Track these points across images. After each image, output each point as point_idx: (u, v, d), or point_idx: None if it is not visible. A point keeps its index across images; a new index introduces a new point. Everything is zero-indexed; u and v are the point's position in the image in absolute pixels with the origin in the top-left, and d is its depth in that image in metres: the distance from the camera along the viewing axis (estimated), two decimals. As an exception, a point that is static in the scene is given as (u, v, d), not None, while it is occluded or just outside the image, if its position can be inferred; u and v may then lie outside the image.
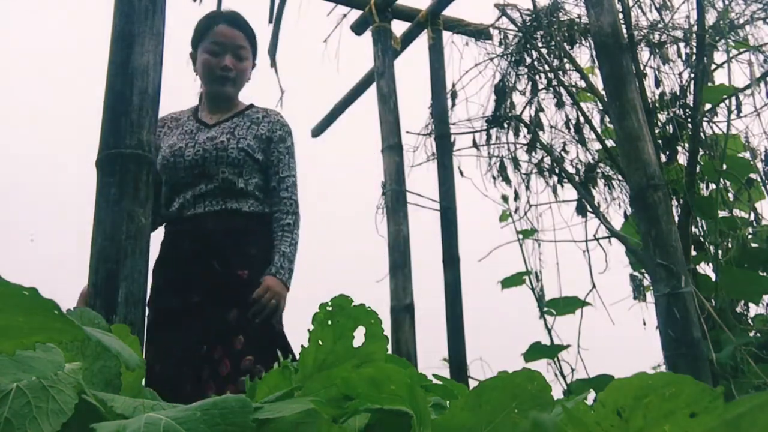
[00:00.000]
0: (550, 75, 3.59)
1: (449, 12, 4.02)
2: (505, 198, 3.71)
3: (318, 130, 4.70)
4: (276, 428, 0.63)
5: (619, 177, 3.37)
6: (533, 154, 3.69)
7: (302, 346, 0.76)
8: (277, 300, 2.06)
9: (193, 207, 2.15)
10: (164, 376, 1.94)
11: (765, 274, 2.85)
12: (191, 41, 2.36)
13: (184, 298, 2.05)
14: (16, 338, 0.56)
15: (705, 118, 3.00)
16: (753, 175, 3.01)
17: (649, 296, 3.09)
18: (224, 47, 2.25)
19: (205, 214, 2.12)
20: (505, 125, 3.73)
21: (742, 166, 3.00)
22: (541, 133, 3.66)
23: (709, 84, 3.00)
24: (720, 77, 3.09)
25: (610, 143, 3.29)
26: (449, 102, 3.94)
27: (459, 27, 3.98)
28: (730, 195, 3.04)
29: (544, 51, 3.58)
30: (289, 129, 2.33)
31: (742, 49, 3.04)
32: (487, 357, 3.40)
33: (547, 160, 3.63)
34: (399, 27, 4.03)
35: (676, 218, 2.83)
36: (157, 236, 2.24)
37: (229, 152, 2.17)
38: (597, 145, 3.49)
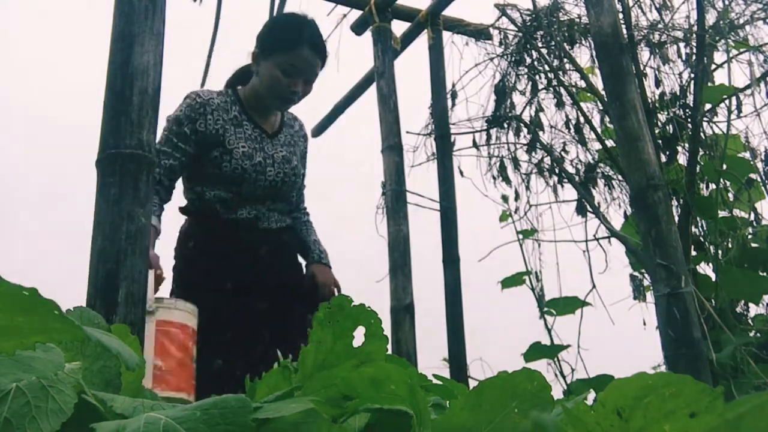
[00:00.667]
0: (550, 75, 3.59)
1: (449, 12, 4.02)
2: (505, 198, 3.71)
3: (318, 130, 4.70)
4: (276, 428, 0.63)
5: (619, 177, 3.37)
6: (533, 154, 3.69)
7: (302, 346, 0.76)
8: (337, 285, 2.32)
9: (267, 220, 2.23)
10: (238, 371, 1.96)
11: (765, 274, 2.84)
12: (263, 41, 2.25)
13: (261, 301, 2.14)
14: (16, 338, 0.56)
15: (705, 118, 3.00)
16: (753, 175, 3.00)
17: (649, 296, 3.09)
18: (300, 72, 2.21)
19: (278, 229, 2.25)
20: (505, 125, 3.73)
21: (742, 166, 3.00)
22: (541, 133, 3.66)
23: (709, 84, 3.00)
24: (720, 77, 3.09)
25: (610, 143, 3.29)
26: (449, 102, 3.94)
27: (459, 27, 3.97)
28: (730, 195, 3.04)
29: (544, 51, 3.57)
30: None
31: (742, 49, 3.04)
32: (487, 357, 3.40)
33: (547, 160, 3.63)
34: (399, 27, 4.03)
35: (676, 218, 2.83)
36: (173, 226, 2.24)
37: (299, 179, 2.31)
38: (597, 145, 3.49)
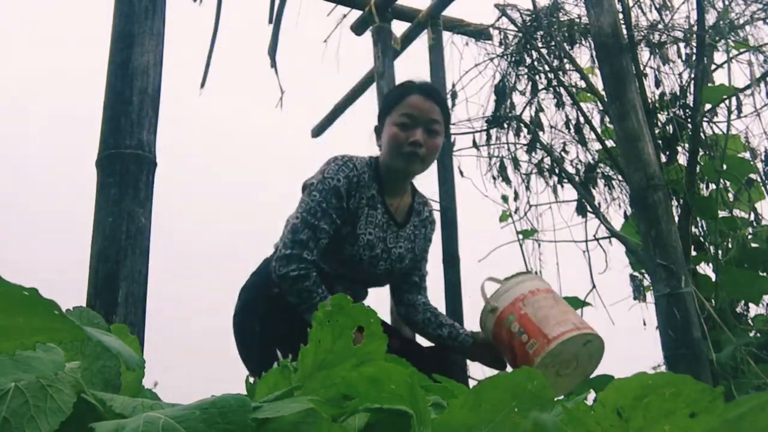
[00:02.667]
0: (550, 75, 3.59)
1: (449, 12, 4.02)
2: (505, 198, 3.71)
3: (318, 130, 4.70)
4: (275, 428, 0.63)
5: (619, 177, 3.37)
6: (533, 154, 3.69)
7: (302, 345, 0.76)
8: None
9: (357, 299, 2.11)
10: None
11: (765, 274, 2.84)
12: (379, 114, 2.14)
13: None
14: (16, 338, 0.56)
15: (705, 118, 3.00)
16: (753, 175, 3.00)
17: (649, 296, 3.09)
18: (415, 120, 2.00)
19: None
20: (505, 125, 3.73)
21: (742, 166, 3.00)
22: (541, 133, 3.66)
23: (709, 84, 3.00)
24: (720, 77, 3.10)
25: (610, 143, 3.29)
26: (449, 102, 3.94)
27: (459, 27, 3.98)
28: (730, 195, 3.04)
29: (544, 51, 3.58)
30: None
31: (742, 50, 3.04)
32: (487, 357, 3.40)
33: (547, 160, 3.63)
34: (399, 27, 4.03)
35: (676, 218, 2.83)
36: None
37: (403, 268, 2.13)
38: (597, 145, 3.49)
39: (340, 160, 2.01)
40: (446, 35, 4.01)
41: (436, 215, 2.37)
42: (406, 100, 2.04)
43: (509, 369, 1.99)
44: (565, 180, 3.54)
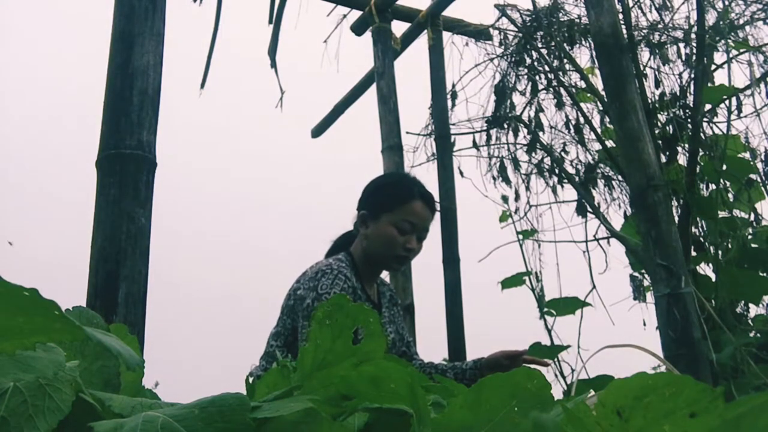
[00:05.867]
0: (550, 75, 3.59)
1: (449, 12, 4.02)
2: (505, 198, 3.71)
3: (318, 130, 4.70)
4: (275, 428, 0.63)
5: (619, 177, 3.37)
6: (533, 154, 3.69)
7: (301, 345, 0.76)
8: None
9: None
10: None
11: (765, 274, 2.84)
12: (372, 202, 2.15)
13: None
14: (16, 338, 0.56)
15: (705, 119, 3.00)
16: (753, 176, 3.00)
17: (650, 297, 3.09)
18: (414, 228, 2.10)
19: None
20: (505, 126, 3.74)
21: (742, 166, 3.00)
22: (541, 133, 3.66)
23: (709, 84, 3.00)
24: (720, 77, 3.10)
25: (610, 143, 3.29)
26: (449, 102, 3.94)
27: (459, 27, 3.98)
28: (730, 195, 3.04)
29: (544, 51, 3.58)
30: None
31: (742, 50, 3.04)
32: (487, 357, 3.40)
33: (547, 160, 3.64)
34: (399, 27, 4.04)
35: (676, 218, 2.82)
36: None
37: (397, 352, 2.17)
38: (597, 146, 3.49)
39: (330, 273, 2.00)
40: (446, 35, 4.02)
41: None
42: (410, 206, 2.10)
43: None
44: (565, 180, 3.54)
